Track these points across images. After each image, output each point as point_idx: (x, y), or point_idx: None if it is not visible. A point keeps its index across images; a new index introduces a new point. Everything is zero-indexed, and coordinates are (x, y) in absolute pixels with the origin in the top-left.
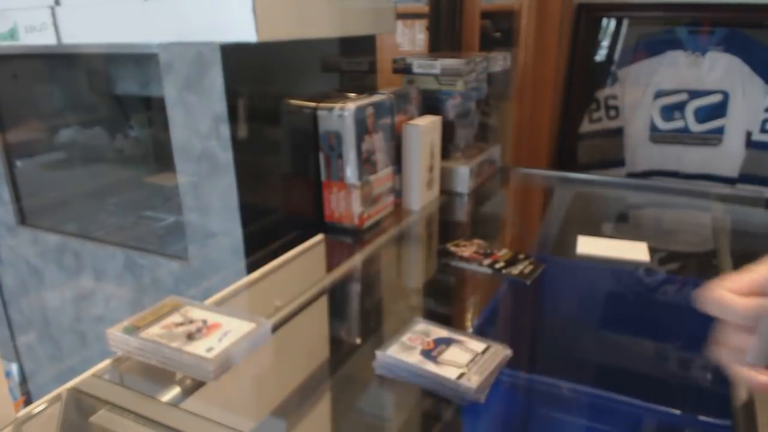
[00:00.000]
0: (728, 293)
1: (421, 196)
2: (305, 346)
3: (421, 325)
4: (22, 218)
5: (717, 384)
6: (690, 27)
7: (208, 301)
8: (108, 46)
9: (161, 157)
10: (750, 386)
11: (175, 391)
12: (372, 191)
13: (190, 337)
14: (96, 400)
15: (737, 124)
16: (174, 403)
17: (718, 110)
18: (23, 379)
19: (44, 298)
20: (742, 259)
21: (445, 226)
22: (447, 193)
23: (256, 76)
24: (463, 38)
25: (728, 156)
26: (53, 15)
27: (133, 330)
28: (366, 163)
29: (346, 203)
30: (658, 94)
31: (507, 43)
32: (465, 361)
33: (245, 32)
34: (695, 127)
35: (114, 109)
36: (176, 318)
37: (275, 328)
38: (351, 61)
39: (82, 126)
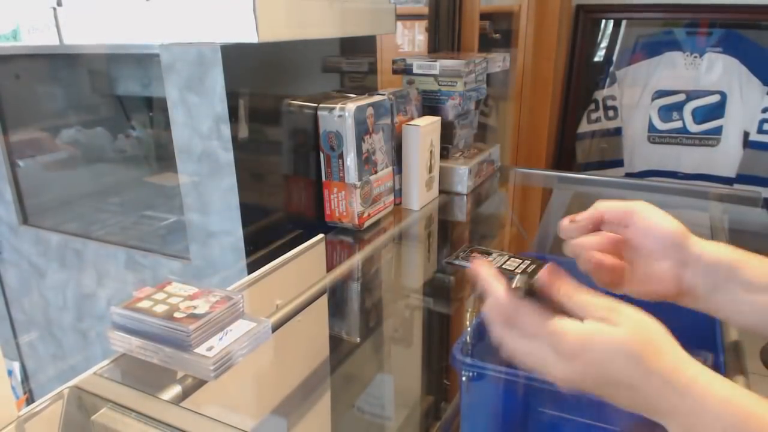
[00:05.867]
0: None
1: (420, 196)
2: (305, 346)
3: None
4: (25, 218)
5: None
6: (688, 28)
7: None
8: (109, 47)
9: (162, 157)
10: None
11: (177, 389)
12: (372, 191)
13: None
14: (98, 398)
15: (735, 125)
16: (175, 402)
17: (716, 111)
18: (25, 378)
19: (46, 297)
20: None
21: (444, 226)
22: (446, 193)
23: (257, 76)
24: (463, 39)
25: (726, 156)
26: (55, 16)
27: None
28: (366, 163)
29: (346, 203)
30: (657, 95)
31: (506, 44)
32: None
33: (246, 33)
34: (693, 128)
35: (115, 110)
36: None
37: (275, 328)
38: (351, 62)
39: (84, 126)
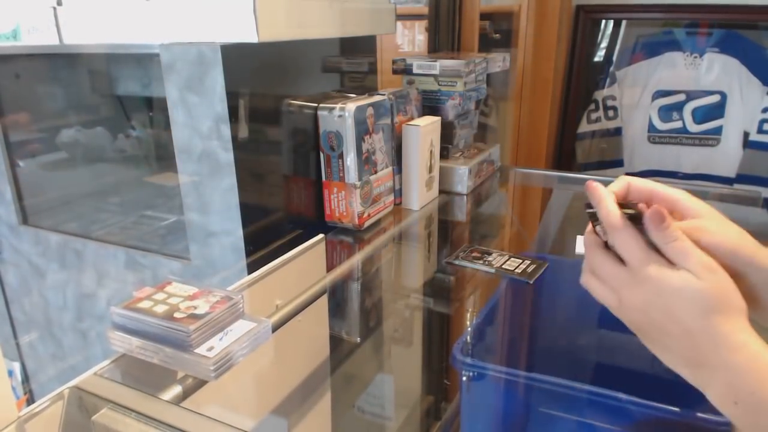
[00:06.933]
0: (610, 199)
1: (420, 196)
2: (305, 346)
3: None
4: (24, 218)
5: None
6: (688, 28)
7: None
8: (109, 47)
9: (162, 157)
10: None
11: (177, 389)
12: (372, 191)
13: None
14: (98, 398)
15: (735, 125)
16: (175, 402)
17: (716, 111)
18: (25, 378)
19: (46, 297)
20: None
21: (444, 226)
22: (446, 193)
23: (256, 76)
24: (463, 39)
25: (726, 156)
26: (55, 15)
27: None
28: (366, 163)
29: (346, 203)
30: (657, 95)
31: (506, 44)
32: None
33: (246, 33)
34: (693, 128)
35: (115, 110)
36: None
37: (275, 328)
38: (351, 62)
39: (84, 126)
